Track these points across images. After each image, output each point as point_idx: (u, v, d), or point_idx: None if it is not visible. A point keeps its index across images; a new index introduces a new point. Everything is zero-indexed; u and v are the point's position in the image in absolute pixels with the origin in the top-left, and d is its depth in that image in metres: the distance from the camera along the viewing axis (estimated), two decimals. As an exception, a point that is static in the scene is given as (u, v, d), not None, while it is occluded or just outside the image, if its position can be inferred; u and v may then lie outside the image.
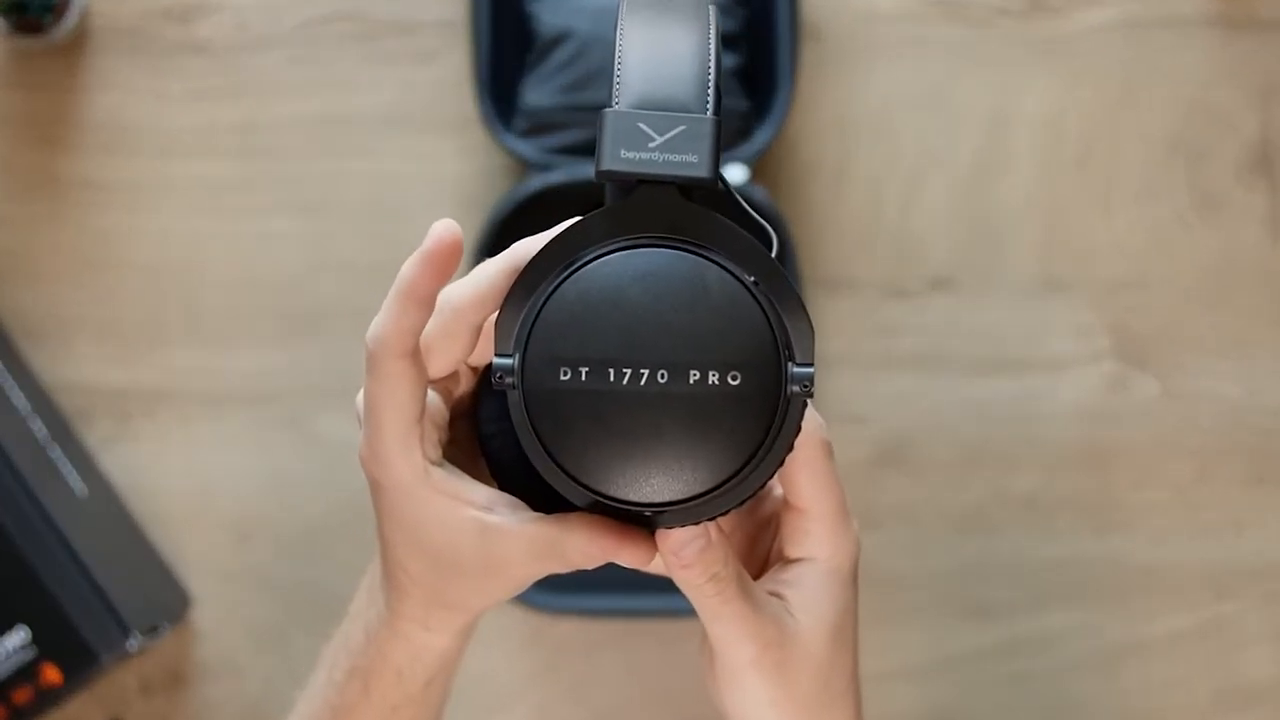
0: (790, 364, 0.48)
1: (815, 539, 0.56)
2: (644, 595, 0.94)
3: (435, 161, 0.98)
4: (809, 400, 0.49)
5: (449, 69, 0.98)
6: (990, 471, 0.99)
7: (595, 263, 0.49)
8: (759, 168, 0.96)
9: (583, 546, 0.54)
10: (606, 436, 0.49)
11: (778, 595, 0.57)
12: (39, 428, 0.93)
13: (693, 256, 0.48)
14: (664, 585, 0.86)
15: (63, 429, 0.97)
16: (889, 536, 0.98)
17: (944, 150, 1.00)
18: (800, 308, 0.48)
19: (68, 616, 0.88)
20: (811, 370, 0.48)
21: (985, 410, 0.99)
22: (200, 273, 0.99)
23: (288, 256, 0.99)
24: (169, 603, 0.96)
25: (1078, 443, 0.98)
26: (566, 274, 0.49)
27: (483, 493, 0.55)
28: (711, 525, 0.51)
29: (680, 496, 0.49)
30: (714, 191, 0.49)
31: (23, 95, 1.00)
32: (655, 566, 0.54)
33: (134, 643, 0.89)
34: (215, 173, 1.00)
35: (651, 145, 0.47)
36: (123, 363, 0.99)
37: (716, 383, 0.47)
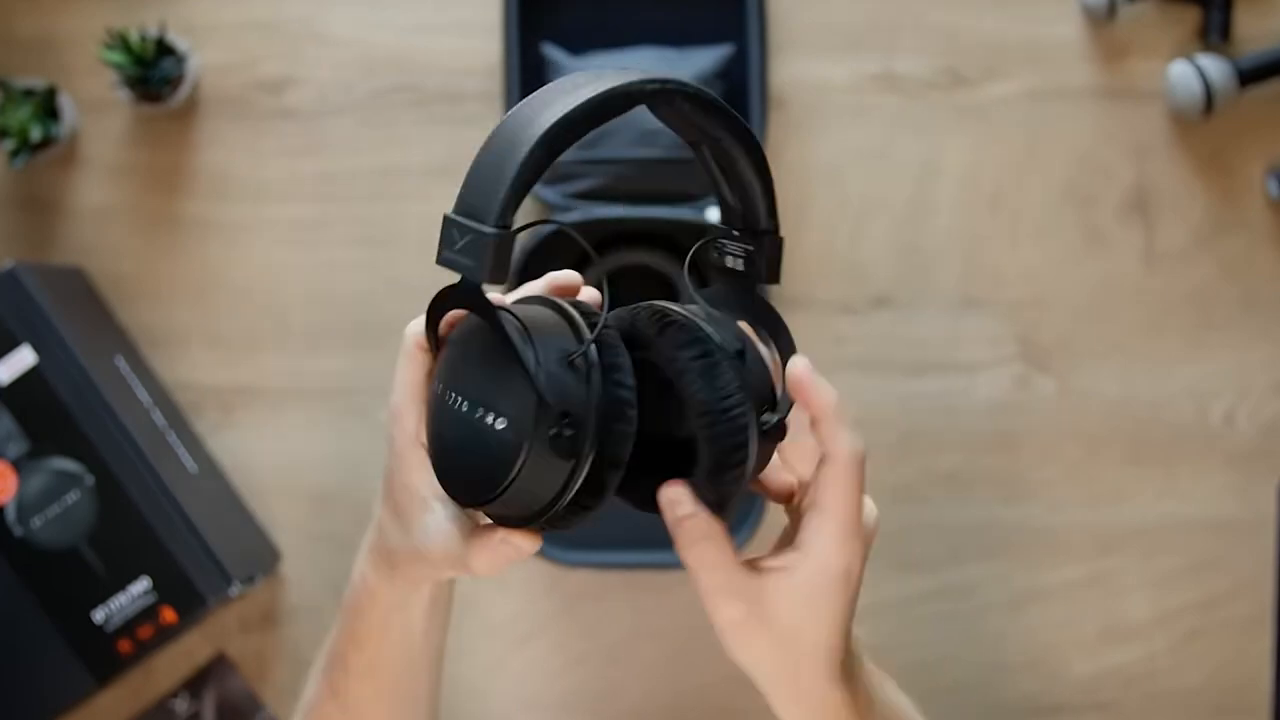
0: (544, 414, 0.50)
1: (823, 536, 0.54)
2: (646, 550, 0.93)
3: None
4: (573, 439, 0.51)
5: (487, 130, 0.95)
6: (920, 453, 0.98)
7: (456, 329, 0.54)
8: (735, 209, 0.96)
9: (480, 566, 0.56)
10: (439, 445, 0.54)
11: (773, 569, 0.55)
12: (159, 418, 0.94)
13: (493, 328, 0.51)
14: (663, 542, 0.88)
15: (178, 418, 0.98)
16: None
17: (884, 195, 0.99)
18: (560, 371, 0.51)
19: (181, 568, 0.88)
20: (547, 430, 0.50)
21: (916, 404, 0.98)
22: (287, 293, 1.00)
23: (357, 280, 0.99)
24: (263, 557, 0.97)
25: (990, 430, 0.98)
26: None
27: (431, 482, 0.56)
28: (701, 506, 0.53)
29: (480, 501, 0.53)
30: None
31: (147, 152, 1.00)
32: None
33: (234, 589, 0.89)
34: (299, 214, 1.00)
35: (456, 248, 0.49)
36: (226, 365, 0.99)
37: (490, 422, 0.51)
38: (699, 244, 0.59)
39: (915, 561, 0.98)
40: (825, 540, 0.54)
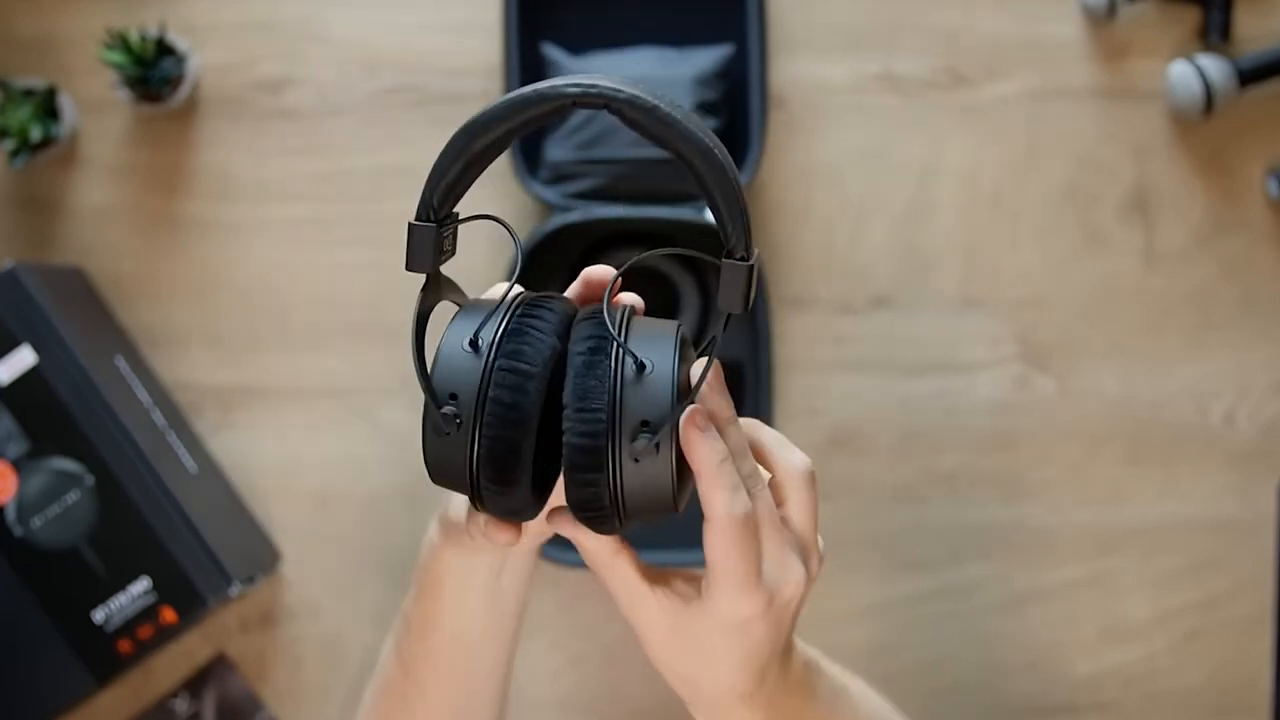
0: (434, 392, 0.52)
1: (715, 590, 0.54)
2: (645, 551, 0.86)
3: (476, 204, 0.93)
4: (455, 416, 0.52)
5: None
6: (920, 453, 0.98)
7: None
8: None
9: (478, 539, 0.58)
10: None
11: (678, 598, 0.56)
12: (158, 417, 0.94)
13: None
14: (661, 543, 0.90)
15: (177, 418, 0.97)
16: (839, 506, 0.97)
17: (884, 196, 0.99)
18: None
19: (181, 568, 0.87)
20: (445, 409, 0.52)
21: (916, 404, 0.98)
22: (287, 293, 0.99)
23: (357, 280, 0.99)
24: (263, 557, 0.96)
25: (990, 430, 0.98)
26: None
27: None
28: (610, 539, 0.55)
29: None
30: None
31: (146, 152, 0.99)
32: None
33: (234, 589, 0.89)
34: (299, 214, 0.99)
35: (417, 251, 0.52)
36: (226, 365, 0.99)
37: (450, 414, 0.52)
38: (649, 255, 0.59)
39: (915, 561, 0.98)
40: (718, 594, 0.54)
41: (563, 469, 0.52)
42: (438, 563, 0.65)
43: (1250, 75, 0.96)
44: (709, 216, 0.93)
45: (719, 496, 0.53)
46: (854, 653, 0.97)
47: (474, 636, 0.68)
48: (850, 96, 0.99)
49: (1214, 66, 0.95)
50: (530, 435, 0.52)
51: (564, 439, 0.52)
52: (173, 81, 0.96)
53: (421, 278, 0.53)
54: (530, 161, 0.96)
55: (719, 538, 0.53)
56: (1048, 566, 0.98)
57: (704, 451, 0.53)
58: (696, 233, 0.93)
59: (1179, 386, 0.98)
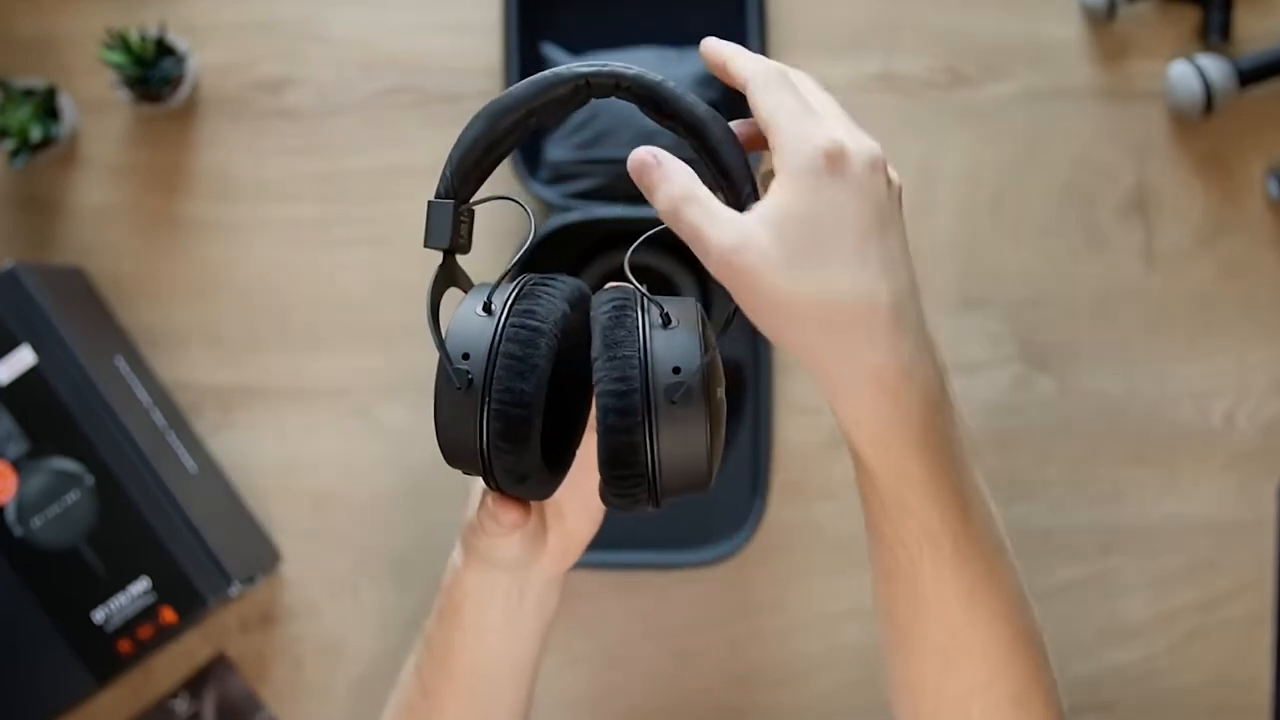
0: (447, 352, 0.53)
1: (779, 141, 0.51)
2: (644, 551, 0.93)
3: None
4: (467, 373, 0.52)
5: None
6: None
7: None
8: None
9: (488, 526, 0.58)
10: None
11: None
12: (158, 418, 0.93)
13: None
14: (657, 543, 0.90)
15: (177, 418, 0.97)
16: (841, 504, 0.96)
17: None
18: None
19: (181, 568, 0.87)
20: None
21: None
22: (287, 293, 0.99)
23: (357, 280, 0.99)
24: (262, 557, 0.96)
25: (990, 430, 0.97)
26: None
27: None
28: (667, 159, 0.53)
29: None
30: None
31: (146, 152, 0.99)
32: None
33: (234, 590, 0.89)
34: (299, 214, 0.99)
35: (435, 227, 0.55)
36: (225, 365, 0.98)
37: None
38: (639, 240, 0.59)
39: (915, 561, 0.97)
40: (784, 140, 0.50)
41: (597, 422, 0.51)
42: (458, 585, 0.65)
43: (1250, 75, 0.96)
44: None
45: (751, 61, 0.53)
46: (852, 654, 0.97)
47: (494, 661, 0.67)
48: (850, 95, 0.98)
49: (1214, 66, 0.95)
50: (541, 388, 0.52)
51: (596, 390, 0.51)
52: (173, 81, 0.96)
53: (431, 266, 0.54)
54: (530, 162, 0.96)
55: (763, 91, 0.51)
56: (1048, 566, 0.97)
57: (731, 48, 0.54)
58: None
59: (1179, 386, 0.98)
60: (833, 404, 0.50)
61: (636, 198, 0.92)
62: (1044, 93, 0.99)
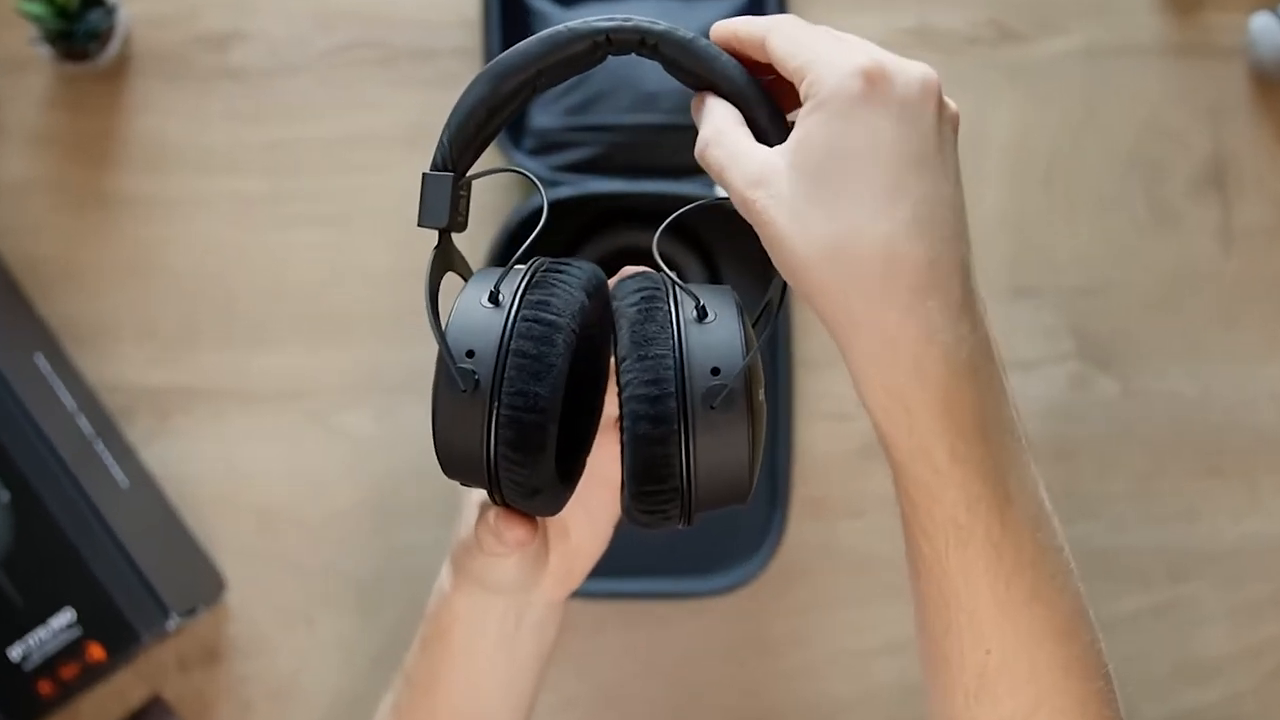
0: (448, 349, 0.52)
1: (807, 86, 0.49)
2: (645, 579, 0.93)
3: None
4: (473, 372, 0.51)
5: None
6: None
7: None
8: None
9: (486, 545, 0.58)
10: None
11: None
12: (85, 424, 0.91)
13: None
14: (660, 569, 0.90)
15: (106, 425, 0.95)
16: (872, 522, 0.95)
17: None
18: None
19: (111, 598, 0.86)
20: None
21: None
22: (232, 280, 0.97)
23: (313, 264, 0.97)
24: (205, 585, 0.94)
25: (1045, 437, 0.96)
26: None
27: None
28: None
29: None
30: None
31: (70, 117, 0.98)
32: None
33: (173, 623, 0.87)
34: (247, 188, 0.97)
35: (431, 204, 0.54)
36: (161, 364, 0.97)
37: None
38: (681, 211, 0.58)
39: (958, 589, 0.94)
40: (812, 63, 0.48)
41: (624, 430, 0.51)
42: (446, 610, 0.64)
43: (1345, 28, 0.95)
44: (720, 191, 0.88)
45: (762, 18, 0.52)
46: (886, 695, 0.95)
47: (484, 696, 0.67)
48: (882, 53, 0.97)
49: (1304, 18, 0.94)
50: (558, 391, 0.51)
51: (623, 394, 0.51)
52: (100, 36, 0.94)
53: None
54: (514, 129, 0.95)
55: (785, 35, 0.50)
56: (1111, 594, 0.95)
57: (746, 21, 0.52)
58: (704, 211, 0.90)
59: (1261, 387, 0.96)
60: (850, 371, 0.49)
61: (636, 170, 0.93)
62: (1106, 49, 0.98)
